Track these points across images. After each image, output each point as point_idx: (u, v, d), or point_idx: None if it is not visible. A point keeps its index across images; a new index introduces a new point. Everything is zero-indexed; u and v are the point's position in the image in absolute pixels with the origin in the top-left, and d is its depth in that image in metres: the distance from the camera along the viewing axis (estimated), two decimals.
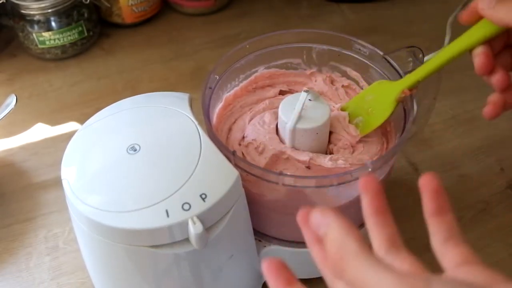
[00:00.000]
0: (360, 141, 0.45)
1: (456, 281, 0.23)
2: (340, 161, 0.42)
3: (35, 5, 0.69)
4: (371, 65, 0.47)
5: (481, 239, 0.53)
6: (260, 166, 0.42)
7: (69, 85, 0.72)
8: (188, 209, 0.35)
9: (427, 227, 0.27)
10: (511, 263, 0.51)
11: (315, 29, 0.50)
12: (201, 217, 0.35)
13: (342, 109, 0.46)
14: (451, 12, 0.74)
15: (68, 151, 0.41)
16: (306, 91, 0.42)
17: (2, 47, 0.78)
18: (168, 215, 0.35)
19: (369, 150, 0.44)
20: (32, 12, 0.70)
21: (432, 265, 0.25)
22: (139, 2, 0.78)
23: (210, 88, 0.44)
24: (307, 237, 0.27)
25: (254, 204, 0.42)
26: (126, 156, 0.39)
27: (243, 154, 0.44)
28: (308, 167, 0.42)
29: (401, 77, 0.44)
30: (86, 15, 0.74)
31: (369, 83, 0.48)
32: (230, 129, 0.47)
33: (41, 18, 0.71)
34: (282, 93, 0.51)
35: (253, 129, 0.45)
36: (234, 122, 0.48)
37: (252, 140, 0.44)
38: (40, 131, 0.66)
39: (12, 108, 0.56)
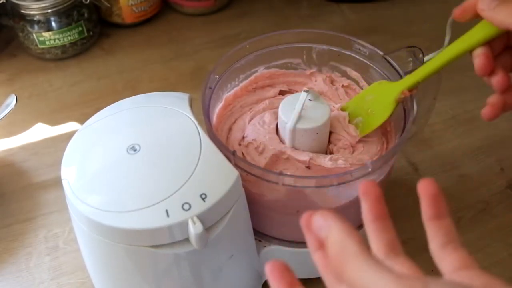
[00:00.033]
0: (360, 141, 0.45)
1: (454, 283, 0.23)
2: (340, 161, 0.42)
3: (35, 5, 0.69)
4: (371, 65, 0.47)
5: (481, 239, 0.53)
6: (260, 166, 0.42)
7: (69, 85, 0.72)
8: (188, 209, 0.35)
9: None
10: (511, 263, 0.51)
11: (315, 29, 0.50)
12: (201, 217, 0.35)
13: (342, 109, 0.46)
14: (451, 12, 0.74)
15: (68, 151, 0.41)
16: (306, 91, 0.42)
17: (2, 47, 0.78)
18: (168, 215, 0.35)
19: (369, 150, 0.44)
20: (32, 12, 0.70)
21: (432, 266, 0.25)
22: (139, 2, 0.78)
23: (210, 88, 0.44)
24: (310, 242, 0.27)
25: (254, 204, 0.42)
26: (126, 156, 0.39)
27: (243, 154, 0.44)
28: (308, 167, 0.42)
29: (401, 77, 0.44)
30: (86, 15, 0.74)
31: (369, 83, 0.48)
32: (230, 129, 0.47)
33: (41, 18, 0.71)
34: (282, 93, 0.51)
35: (253, 129, 0.45)
36: (234, 122, 0.48)
37: (252, 140, 0.44)
38: (40, 131, 0.66)
39: (12, 108, 0.56)
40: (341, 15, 0.84)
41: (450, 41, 0.42)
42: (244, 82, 0.50)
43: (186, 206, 0.35)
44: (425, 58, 0.44)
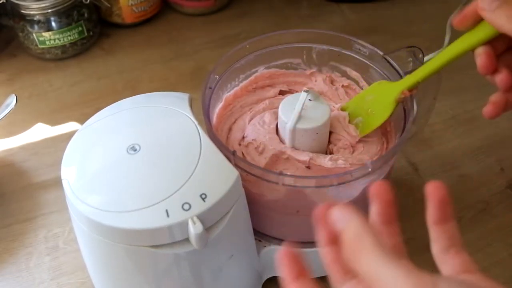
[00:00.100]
0: (360, 141, 0.45)
1: (463, 281, 0.23)
2: (340, 161, 0.42)
3: (35, 5, 0.69)
4: (371, 65, 0.47)
5: (481, 239, 0.53)
6: (260, 166, 0.42)
7: (69, 85, 0.72)
8: (188, 209, 0.35)
9: (428, 231, 0.27)
10: (511, 263, 0.51)
11: (315, 29, 0.50)
12: (201, 217, 0.35)
13: (342, 109, 0.46)
14: (451, 12, 0.74)
15: (68, 151, 0.41)
16: (306, 91, 0.42)
17: (2, 47, 0.78)
18: (168, 215, 0.35)
19: (369, 150, 0.44)
20: (32, 12, 0.70)
21: (432, 266, 0.25)
22: (139, 2, 0.78)
23: (210, 88, 0.44)
24: (321, 235, 0.27)
25: (254, 204, 0.42)
26: (126, 156, 0.39)
27: (243, 154, 0.44)
28: (308, 167, 0.42)
29: (401, 77, 0.44)
30: (86, 15, 0.74)
31: (369, 83, 0.48)
32: (230, 129, 0.47)
33: (41, 18, 0.71)
34: (282, 93, 0.51)
35: (253, 129, 0.45)
36: (234, 122, 0.48)
37: (252, 140, 0.44)
38: (40, 131, 0.65)
39: (12, 108, 0.56)
40: (341, 15, 0.84)
41: (450, 41, 0.42)
42: (244, 82, 0.50)
43: (186, 206, 0.35)
44: (425, 58, 0.44)
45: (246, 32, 0.80)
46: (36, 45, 0.72)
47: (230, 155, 0.39)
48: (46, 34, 0.71)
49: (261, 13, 0.84)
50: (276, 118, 0.45)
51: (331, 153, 0.44)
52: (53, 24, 0.71)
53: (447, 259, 0.26)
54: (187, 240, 0.36)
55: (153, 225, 0.35)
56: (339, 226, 0.26)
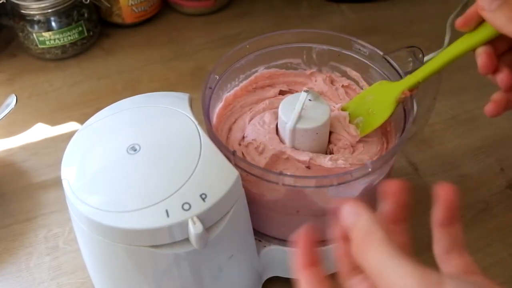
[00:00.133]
0: (360, 141, 0.45)
1: (470, 282, 0.23)
2: (340, 161, 0.42)
3: (35, 5, 0.69)
4: (371, 65, 0.47)
5: (481, 239, 0.53)
6: (260, 166, 0.42)
7: (69, 85, 0.72)
8: (188, 209, 0.35)
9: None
10: (511, 263, 0.51)
11: (315, 29, 0.49)
12: (201, 217, 0.35)
13: (343, 109, 0.46)
14: (451, 12, 0.75)
15: (68, 151, 0.41)
16: (306, 91, 0.42)
17: (2, 47, 0.78)
18: (168, 215, 0.35)
19: (369, 150, 0.44)
20: (32, 12, 0.70)
21: (432, 266, 0.25)
22: (139, 2, 0.78)
23: (210, 88, 0.44)
24: (335, 230, 0.27)
25: (254, 204, 0.42)
26: (126, 156, 0.39)
27: (243, 154, 0.44)
28: (308, 167, 0.42)
29: (401, 77, 0.44)
30: (86, 15, 0.74)
31: (369, 83, 0.48)
32: (230, 129, 0.47)
33: (41, 18, 0.71)
34: (282, 93, 0.51)
35: (253, 129, 0.45)
36: (234, 122, 0.48)
37: (252, 140, 0.44)
38: (40, 131, 0.65)
39: (12, 108, 0.56)
40: (341, 15, 0.84)
41: (450, 41, 0.42)
42: (244, 82, 0.50)
43: (186, 206, 0.35)
44: (425, 58, 0.44)
45: (246, 32, 0.80)
46: (36, 45, 0.72)
47: (230, 155, 0.39)
48: (46, 34, 0.71)
49: (261, 13, 0.84)
50: (276, 118, 0.45)
51: (331, 153, 0.44)
52: (53, 24, 0.71)
53: (449, 259, 0.26)
54: (187, 240, 0.36)
55: (153, 225, 0.35)
56: (349, 221, 0.26)
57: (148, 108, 0.43)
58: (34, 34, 0.71)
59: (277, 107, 0.44)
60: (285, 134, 0.43)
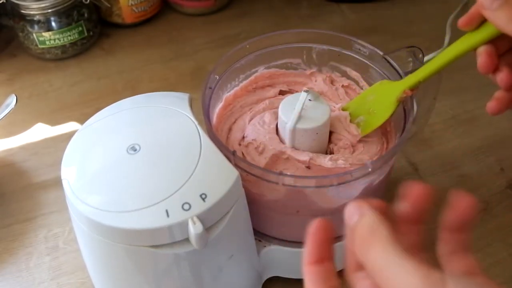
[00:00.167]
0: (360, 141, 0.45)
1: (471, 281, 0.23)
2: (340, 161, 0.42)
3: (35, 5, 0.69)
4: (371, 65, 0.47)
5: (481, 239, 0.53)
6: (260, 166, 0.42)
7: (69, 85, 0.72)
8: (188, 209, 0.35)
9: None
10: (511, 263, 0.51)
11: (315, 29, 0.49)
12: (201, 217, 0.35)
13: (343, 109, 0.46)
14: (451, 12, 0.75)
15: (68, 151, 0.41)
16: (306, 91, 0.42)
17: (2, 47, 0.78)
18: (168, 215, 0.35)
19: (369, 150, 0.44)
20: (32, 12, 0.70)
21: (432, 266, 0.25)
22: (139, 2, 0.78)
23: (210, 88, 0.44)
24: (346, 229, 0.27)
25: (254, 204, 0.42)
26: (126, 156, 0.39)
27: (243, 154, 0.44)
28: (308, 167, 0.42)
29: (401, 77, 0.44)
30: (86, 15, 0.74)
31: (369, 83, 0.48)
32: (230, 129, 0.47)
33: (41, 18, 0.71)
34: (282, 93, 0.51)
35: (253, 129, 0.45)
36: (234, 122, 0.48)
37: (252, 140, 0.44)
38: (40, 131, 0.66)
39: (12, 108, 0.56)
40: (341, 15, 0.84)
41: (450, 41, 0.42)
42: (244, 82, 0.50)
43: (186, 206, 0.35)
44: (425, 58, 0.44)
45: (246, 32, 0.80)
46: (36, 45, 0.72)
47: (230, 155, 0.39)
48: (46, 34, 0.71)
49: (261, 13, 0.84)
50: (276, 118, 0.45)
51: (331, 152, 0.44)
52: (53, 24, 0.71)
53: (452, 260, 0.26)
54: (187, 240, 0.36)
55: (153, 225, 0.35)
56: (354, 219, 0.26)
57: (148, 108, 0.43)
58: (34, 34, 0.71)
59: (277, 107, 0.44)
60: (285, 134, 0.43)
